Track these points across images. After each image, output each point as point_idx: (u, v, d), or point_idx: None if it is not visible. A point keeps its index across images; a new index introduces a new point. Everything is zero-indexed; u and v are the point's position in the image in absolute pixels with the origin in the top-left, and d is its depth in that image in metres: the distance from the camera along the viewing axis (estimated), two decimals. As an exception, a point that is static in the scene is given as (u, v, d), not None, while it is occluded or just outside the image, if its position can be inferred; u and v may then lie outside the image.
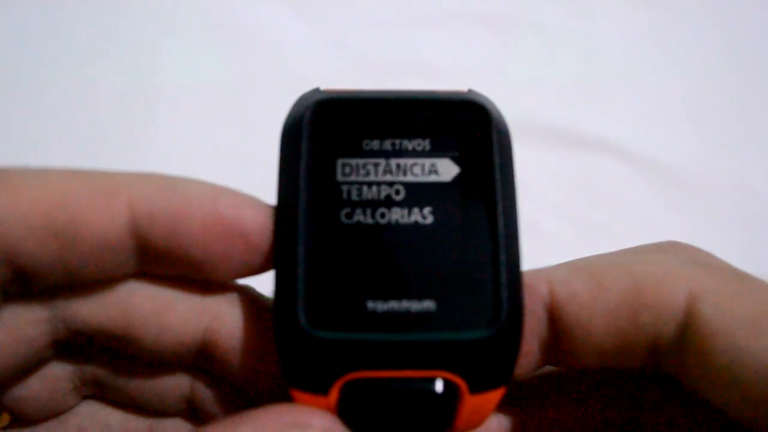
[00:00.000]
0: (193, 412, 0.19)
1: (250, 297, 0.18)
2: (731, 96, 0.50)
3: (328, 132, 0.17)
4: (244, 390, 0.18)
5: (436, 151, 0.17)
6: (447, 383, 0.16)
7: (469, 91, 0.18)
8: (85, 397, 0.19)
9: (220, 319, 0.18)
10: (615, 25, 0.51)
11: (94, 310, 0.17)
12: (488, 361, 0.16)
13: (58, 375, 0.18)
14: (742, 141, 0.49)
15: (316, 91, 0.18)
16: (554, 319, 0.17)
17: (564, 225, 0.45)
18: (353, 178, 0.17)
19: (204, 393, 0.19)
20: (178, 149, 0.46)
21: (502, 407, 0.17)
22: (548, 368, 0.18)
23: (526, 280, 0.17)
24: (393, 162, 0.17)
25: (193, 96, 0.47)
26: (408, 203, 0.17)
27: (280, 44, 0.50)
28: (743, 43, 0.52)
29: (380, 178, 0.17)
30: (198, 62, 0.48)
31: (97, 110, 0.47)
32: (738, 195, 0.46)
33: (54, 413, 0.19)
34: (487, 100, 0.18)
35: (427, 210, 0.17)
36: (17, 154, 0.44)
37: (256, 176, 0.42)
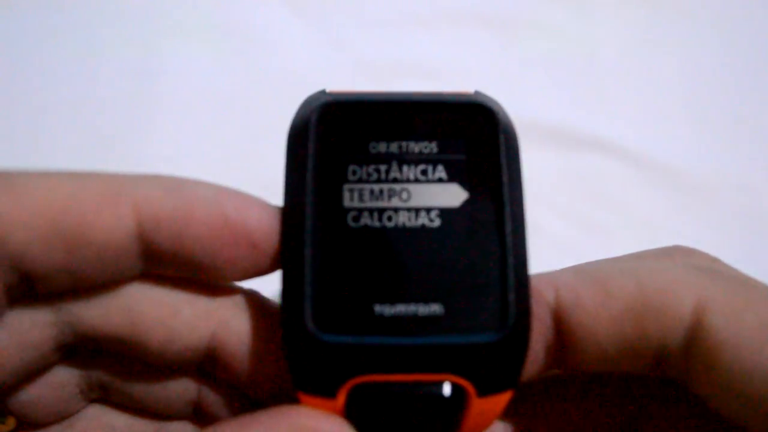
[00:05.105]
0: (199, 415, 0.19)
1: (256, 301, 0.18)
2: (731, 95, 0.50)
3: (334, 134, 0.17)
4: (250, 394, 0.18)
5: (443, 154, 0.17)
6: (455, 387, 0.16)
7: (476, 92, 0.18)
8: (91, 401, 0.19)
9: (226, 324, 0.18)
10: (614, 25, 0.51)
11: (100, 314, 0.17)
12: (496, 364, 0.16)
13: (64, 379, 0.18)
14: (743, 140, 0.48)
15: (322, 93, 0.18)
16: (560, 324, 0.17)
17: (564, 225, 0.45)
18: (360, 180, 0.17)
19: (211, 397, 0.19)
20: (179, 150, 0.45)
21: (508, 410, 0.17)
22: (554, 372, 0.18)
23: (533, 284, 0.17)
24: (400, 164, 0.17)
25: (194, 97, 0.47)
26: (415, 206, 0.17)
27: (281, 45, 0.50)
28: (743, 42, 0.52)
29: (387, 180, 0.17)
30: (198, 63, 0.48)
31: (97, 111, 0.46)
32: (739, 195, 0.46)
33: (60, 417, 0.19)
34: (494, 101, 0.18)
35: (434, 213, 0.17)
36: (17, 156, 0.44)
37: (257, 176, 0.42)
